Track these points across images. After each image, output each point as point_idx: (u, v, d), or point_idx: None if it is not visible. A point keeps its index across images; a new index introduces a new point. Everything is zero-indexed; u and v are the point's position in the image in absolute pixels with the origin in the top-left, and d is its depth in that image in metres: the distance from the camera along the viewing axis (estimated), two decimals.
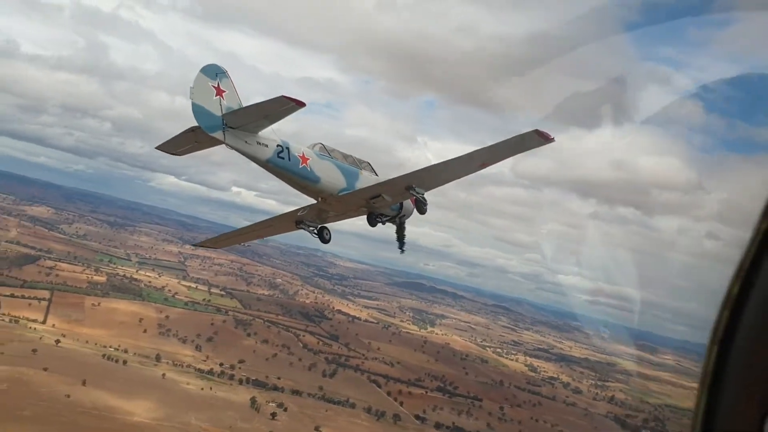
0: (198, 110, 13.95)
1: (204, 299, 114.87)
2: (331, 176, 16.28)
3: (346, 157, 17.10)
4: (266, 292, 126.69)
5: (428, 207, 16.66)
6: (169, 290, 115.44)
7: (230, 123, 14.26)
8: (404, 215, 17.57)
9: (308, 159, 15.91)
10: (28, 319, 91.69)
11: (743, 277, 2.12)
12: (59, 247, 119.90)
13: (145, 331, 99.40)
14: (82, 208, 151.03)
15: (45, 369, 74.62)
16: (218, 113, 14.15)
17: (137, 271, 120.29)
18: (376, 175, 17.34)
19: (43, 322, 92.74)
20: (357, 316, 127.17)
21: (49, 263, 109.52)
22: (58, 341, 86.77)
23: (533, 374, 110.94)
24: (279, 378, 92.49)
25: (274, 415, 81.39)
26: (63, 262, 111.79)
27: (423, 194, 16.42)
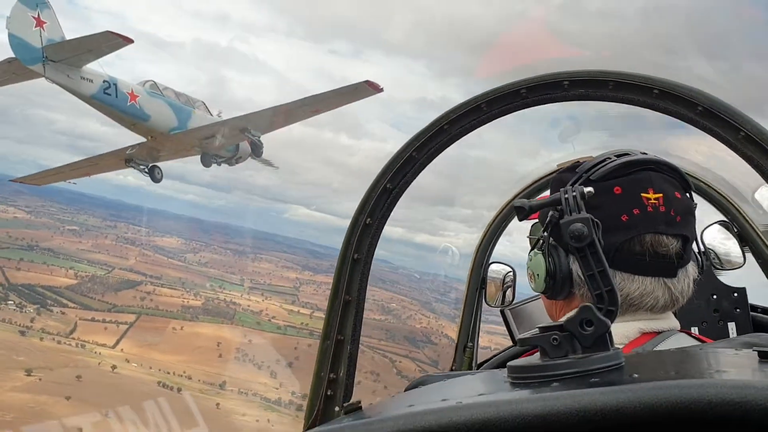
0: (15, 41, 12.34)
1: (302, 323, 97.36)
2: (162, 114, 14.80)
3: (179, 95, 15.47)
4: (376, 317, 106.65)
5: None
6: (267, 314, 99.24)
7: (51, 56, 12.55)
8: (240, 157, 16.23)
9: (137, 96, 14.45)
10: (96, 344, 78.71)
11: None
12: (173, 273, 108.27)
13: (220, 356, 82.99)
14: (217, 239, 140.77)
15: (67, 398, 59.13)
16: (38, 45, 12.46)
17: (242, 295, 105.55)
18: (211, 115, 15.96)
19: (113, 347, 79.32)
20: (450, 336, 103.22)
21: (149, 288, 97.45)
22: (114, 367, 72.31)
23: None
24: None
25: None
26: (165, 287, 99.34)
27: (259, 137, 15.51)
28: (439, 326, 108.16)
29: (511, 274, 2.54)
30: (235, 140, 15.50)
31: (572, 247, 0.83)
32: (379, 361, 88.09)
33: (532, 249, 1.15)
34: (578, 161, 1.23)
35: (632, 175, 1.12)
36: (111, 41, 12.61)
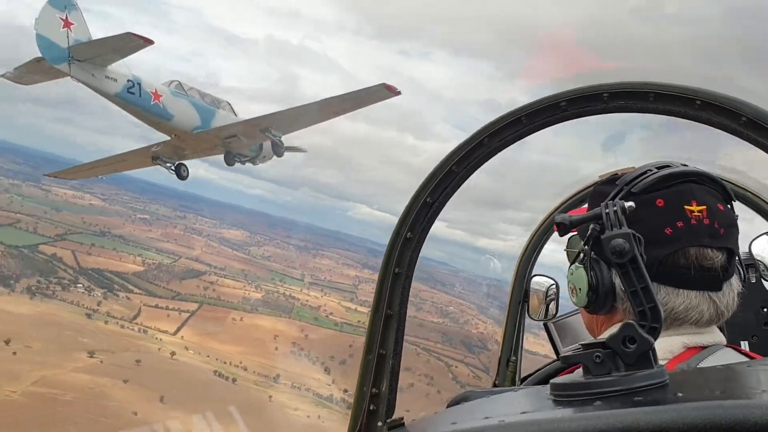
0: (42, 42, 12.69)
1: (359, 321, 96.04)
2: (184, 114, 15.09)
3: (203, 95, 15.76)
4: (434, 319, 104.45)
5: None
6: (325, 310, 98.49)
7: (77, 56, 12.98)
8: (264, 156, 16.64)
9: (161, 96, 14.75)
10: (158, 330, 79.50)
11: None
12: (237, 265, 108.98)
13: (276, 348, 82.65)
14: (280, 234, 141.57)
15: (125, 381, 59.64)
16: (64, 45, 12.89)
17: (301, 290, 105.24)
18: (235, 115, 16.18)
19: (173, 334, 79.98)
20: (526, 348, 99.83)
21: (213, 278, 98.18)
22: (173, 354, 72.84)
23: None
24: (408, 411, 69.28)
25: None
26: (228, 278, 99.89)
27: (280, 137, 15.50)
28: (495, 332, 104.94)
29: (554, 287, 2.46)
30: (257, 140, 15.67)
31: (614, 262, 0.83)
32: (434, 364, 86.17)
33: (572, 262, 1.13)
34: (617, 173, 1.21)
35: (674, 188, 1.11)
36: (132, 42, 13.02)
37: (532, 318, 2.58)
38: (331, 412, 70.07)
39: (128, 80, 14.27)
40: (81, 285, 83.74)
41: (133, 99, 14.38)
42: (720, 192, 1.13)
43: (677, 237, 1.08)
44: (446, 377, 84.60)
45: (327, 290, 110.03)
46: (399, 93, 14.62)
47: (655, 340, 0.72)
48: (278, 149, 15.80)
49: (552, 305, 2.46)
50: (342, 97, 14.94)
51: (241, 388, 69.05)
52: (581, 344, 0.72)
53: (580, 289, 1.11)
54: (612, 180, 1.17)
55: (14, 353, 60.36)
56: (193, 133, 15.39)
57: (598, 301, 1.09)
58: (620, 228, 0.86)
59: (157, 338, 76.95)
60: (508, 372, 2.67)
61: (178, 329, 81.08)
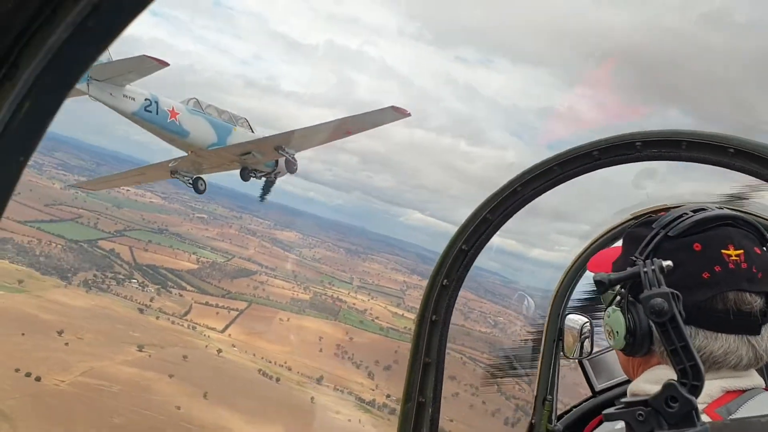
0: None
1: (405, 327, 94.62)
2: (200, 131, 15.34)
3: (221, 113, 16.07)
4: (481, 329, 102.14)
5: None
6: (371, 314, 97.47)
7: (95, 76, 13.10)
8: (279, 172, 16.64)
9: (178, 113, 15.06)
10: (207, 327, 79.95)
11: None
12: (287, 266, 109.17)
13: (320, 350, 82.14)
14: (332, 236, 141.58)
15: (171, 376, 60.09)
16: None
17: (348, 293, 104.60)
18: (252, 132, 16.49)
19: (222, 331, 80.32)
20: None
21: (263, 278, 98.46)
22: (219, 351, 73.14)
23: None
24: (451, 420, 68.03)
25: None
26: (278, 279, 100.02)
27: (293, 155, 15.80)
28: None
29: (588, 324, 2.37)
30: (271, 157, 15.87)
31: (653, 321, 0.82)
32: (480, 374, 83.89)
33: (608, 305, 1.13)
34: (651, 214, 1.19)
35: (711, 231, 1.09)
36: (148, 64, 13.32)
37: (566, 356, 2.49)
38: (372, 417, 69.03)
39: (146, 99, 14.56)
40: (135, 280, 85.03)
41: (150, 117, 14.65)
42: (756, 235, 1.11)
43: (715, 282, 1.06)
44: (491, 388, 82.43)
45: (374, 294, 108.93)
46: (409, 114, 15.03)
47: (697, 398, 0.70)
48: (291, 166, 16.02)
49: (586, 343, 2.34)
50: (353, 118, 15.31)
51: (284, 387, 68.72)
52: (623, 402, 0.72)
53: (617, 332, 1.09)
54: (648, 223, 1.14)
55: (66, 344, 61.48)
56: (209, 150, 15.63)
57: (635, 345, 1.08)
58: (659, 287, 0.84)
59: (205, 335, 77.37)
60: (544, 411, 2.57)
61: (226, 327, 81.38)
